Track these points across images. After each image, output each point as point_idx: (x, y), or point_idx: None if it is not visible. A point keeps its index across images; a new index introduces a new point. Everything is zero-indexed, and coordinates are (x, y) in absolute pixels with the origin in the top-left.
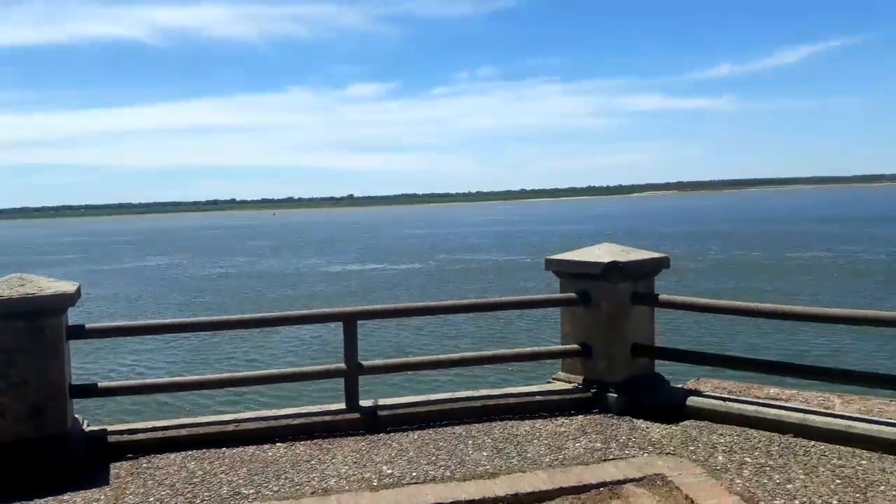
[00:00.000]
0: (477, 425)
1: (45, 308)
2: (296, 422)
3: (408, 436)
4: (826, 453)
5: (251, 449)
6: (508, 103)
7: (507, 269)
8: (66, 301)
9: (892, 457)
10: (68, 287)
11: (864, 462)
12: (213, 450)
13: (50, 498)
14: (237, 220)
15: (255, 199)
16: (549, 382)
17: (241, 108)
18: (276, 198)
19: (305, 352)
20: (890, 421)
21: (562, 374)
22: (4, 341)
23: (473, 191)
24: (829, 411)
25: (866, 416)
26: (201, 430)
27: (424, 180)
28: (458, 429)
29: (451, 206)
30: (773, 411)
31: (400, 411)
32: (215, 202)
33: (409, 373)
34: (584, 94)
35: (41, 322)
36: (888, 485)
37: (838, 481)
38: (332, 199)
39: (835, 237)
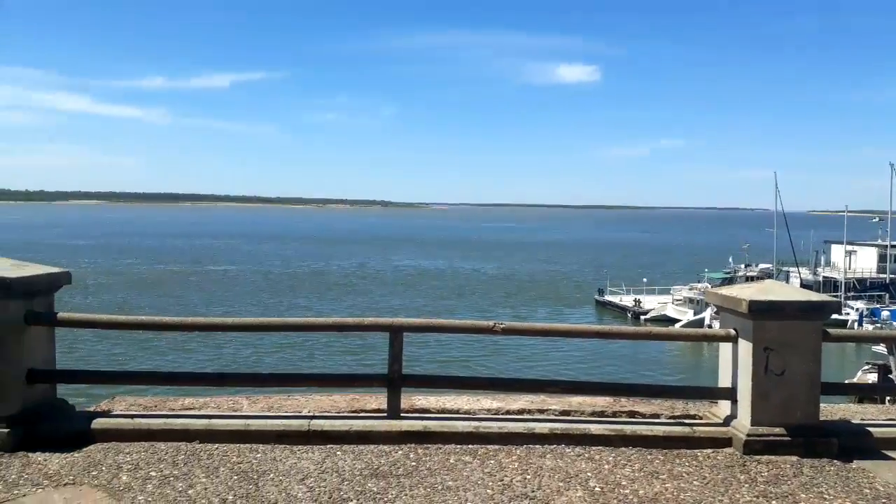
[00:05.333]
0: None
1: None
2: None
3: None
4: (228, 453)
5: None
6: None
7: None
8: None
9: (283, 445)
10: None
11: (259, 455)
12: None
13: None
14: None
15: None
16: None
17: None
18: None
19: None
20: (281, 414)
21: None
22: None
23: None
24: (236, 413)
25: (265, 413)
26: None
27: None
28: None
29: None
30: (179, 421)
31: None
32: None
33: None
34: None
35: None
36: (276, 472)
37: (236, 477)
38: None
39: (242, 252)
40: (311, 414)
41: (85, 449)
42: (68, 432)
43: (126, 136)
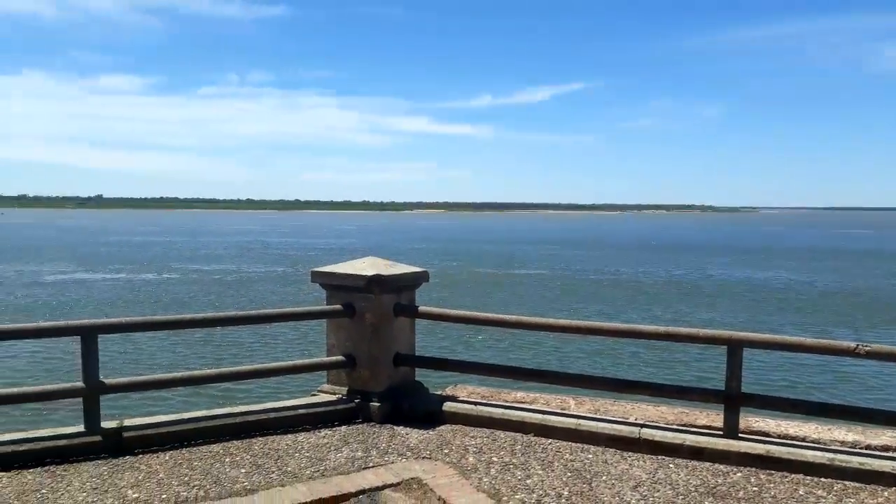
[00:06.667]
0: (236, 442)
1: None
2: (22, 448)
3: (158, 457)
4: (560, 449)
5: None
6: (281, 111)
7: (266, 281)
8: None
9: (613, 450)
10: None
11: (590, 456)
12: None
13: None
14: None
15: None
16: (313, 395)
17: None
18: (5, 194)
19: (38, 370)
20: (610, 418)
21: (327, 386)
22: None
23: (243, 198)
24: (565, 412)
25: (593, 415)
26: None
27: (187, 183)
28: (216, 447)
29: (218, 213)
30: (517, 413)
31: (150, 431)
32: None
33: (165, 391)
34: (356, 110)
35: None
36: (608, 475)
37: (570, 474)
38: (76, 198)
39: (554, 257)
40: (639, 422)
41: (437, 428)
42: (424, 411)
43: (458, 152)
